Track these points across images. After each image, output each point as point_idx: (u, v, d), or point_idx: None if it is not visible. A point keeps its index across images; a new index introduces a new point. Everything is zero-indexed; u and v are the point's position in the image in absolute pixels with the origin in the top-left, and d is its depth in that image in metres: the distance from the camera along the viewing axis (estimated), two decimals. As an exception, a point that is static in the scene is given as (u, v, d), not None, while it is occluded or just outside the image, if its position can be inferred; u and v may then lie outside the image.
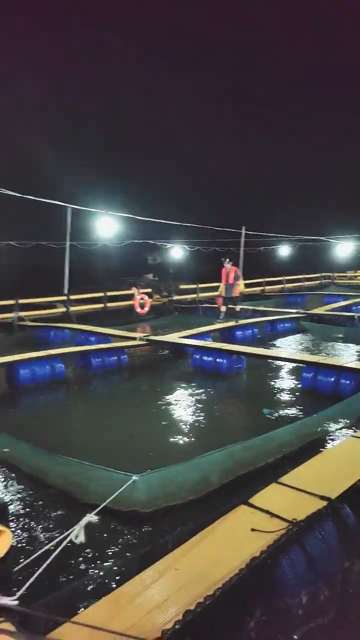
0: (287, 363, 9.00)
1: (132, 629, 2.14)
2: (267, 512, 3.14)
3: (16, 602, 2.06)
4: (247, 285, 22.63)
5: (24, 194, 7.52)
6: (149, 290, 19.81)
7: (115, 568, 2.98)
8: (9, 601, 2.00)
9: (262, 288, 24.40)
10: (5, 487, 4.33)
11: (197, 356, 9.27)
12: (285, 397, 7.34)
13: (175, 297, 19.57)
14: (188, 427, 6.04)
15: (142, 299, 17.63)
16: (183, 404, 7.00)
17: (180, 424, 6.16)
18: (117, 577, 2.82)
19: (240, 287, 12.93)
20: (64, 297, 17.13)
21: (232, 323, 12.18)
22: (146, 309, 17.56)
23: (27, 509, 3.93)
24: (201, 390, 7.67)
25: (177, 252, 25.65)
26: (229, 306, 12.78)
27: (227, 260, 12.64)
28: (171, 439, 5.65)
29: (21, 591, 2.20)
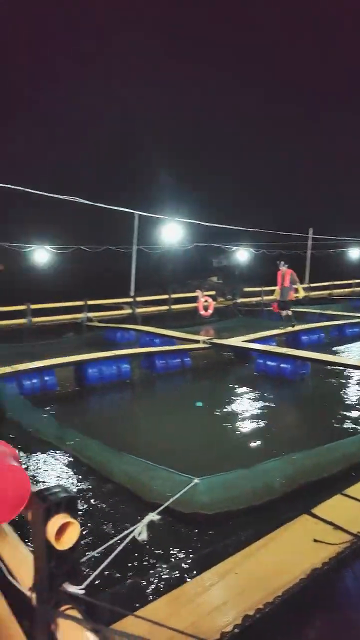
0: (355, 370, 8.68)
1: (191, 627, 2.19)
2: (331, 523, 3.07)
3: (83, 592, 2.16)
4: (313, 289, 22.06)
5: (94, 202, 7.87)
6: (213, 292, 19.85)
7: (176, 567, 3.05)
8: (76, 590, 2.11)
9: (329, 292, 23.65)
10: (74, 481, 4.55)
11: (261, 361, 9.18)
12: (351, 405, 7.09)
13: (240, 300, 19.46)
14: (250, 432, 6.01)
15: (206, 301, 17.70)
16: (245, 409, 6.96)
17: (242, 428, 6.14)
18: (177, 576, 2.89)
19: (300, 292, 12.46)
20: (130, 299, 17.59)
21: (289, 328, 11.83)
22: (210, 311, 17.61)
23: (93, 504, 4.10)
24: (264, 396, 7.59)
25: (242, 254, 25.51)
26: (287, 311, 12.40)
27: (282, 262, 12.35)
28: (233, 444, 5.65)
29: (87, 582, 2.31)
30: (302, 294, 12.80)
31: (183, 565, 3.03)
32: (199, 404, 7.22)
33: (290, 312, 12.11)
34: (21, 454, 5.35)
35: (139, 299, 17.87)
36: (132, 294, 18.23)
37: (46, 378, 8.19)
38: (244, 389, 8.05)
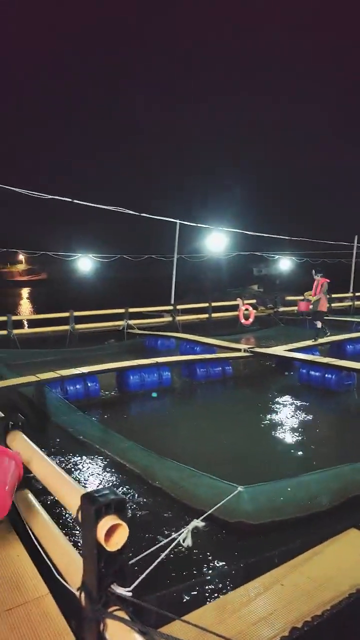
0: None
1: (238, 636, 2.18)
2: (380, 538, 2.98)
3: (130, 594, 2.19)
4: (358, 298, 21.49)
5: (140, 213, 8.07)
6: (254, 301, 19.70)
7: (220, 575, 3.03)
8: (124, 591, 2.13)
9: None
10: (117, 485, 4.61)
11: (304, 370, 9.02)
12: None
13: (282, 309, 19.22)
14: (293, 443, 5.91)
15: (246, 309, 17.58)
16: (288, 419, 6.86)
17: (285, 439, 6.05)
18: (222, 585, 2.87)
19: (312, 299, 11.74)
20: (171, 307, 17.69)
21: (310, 342, 11.33)
22: (251, 320, 17.48)
23: (136, 508, 4.14)
24: (307, 406, 7.45)
25: (284, 263, 25.23)
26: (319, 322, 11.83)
27: (314, 271, 11.92)
28: (276, 454, 5.57)
29: (134, 585, 2.34)
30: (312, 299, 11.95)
31: (228, 573, 3.01)
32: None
33: (319, 325, 11.61)
34: (65, 457, 5.48)
35: (179, 306, 17.95)
36: (172, 302, 18.34)
37: (89, 384, 8.34)
38: (287, 399, 7.93)
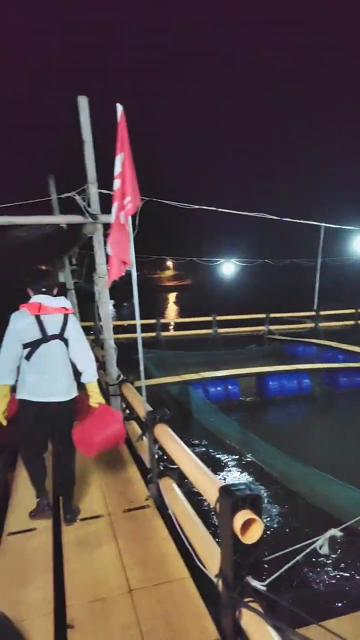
0: None
1: (375, 653, 2.11)
2: None
3: (265, 588, 2.27)
4: None
5: (281, 217, 8.01)
6: None
7: (357, 588, 2.94)
8: (259, 585, 2.22)
9: None
10: (256, 484, 4.70)
11: None
12: None
13: None
14: None
15: None
16: None
17: None
18: (358, 598, 2.78)
19: None
20: (313, 313, 17.12)
21: None
22: None
23: (271, 509, 4.18)
24: None
25: None
26: None
27: None
28: None
29: (269, 579, 2.41)
30: None
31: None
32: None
33: None
34: (206, 452, 5.74)
35: (322, 312, 17.27)
36: (315, 307, 17.72)
37: (230, 386, 8.56)
38: None
